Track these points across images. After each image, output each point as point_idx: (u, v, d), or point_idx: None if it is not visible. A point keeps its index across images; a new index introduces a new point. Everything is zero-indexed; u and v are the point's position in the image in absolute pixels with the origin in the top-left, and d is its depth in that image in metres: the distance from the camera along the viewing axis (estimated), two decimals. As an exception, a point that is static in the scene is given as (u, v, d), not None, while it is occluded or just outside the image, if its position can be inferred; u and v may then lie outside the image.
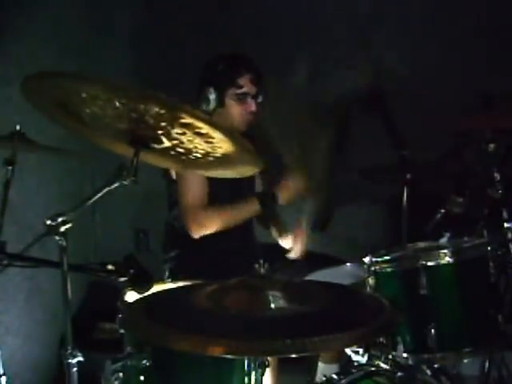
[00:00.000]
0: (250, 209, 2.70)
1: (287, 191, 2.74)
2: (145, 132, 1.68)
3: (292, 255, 2.83)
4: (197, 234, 2.65)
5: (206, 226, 2.64)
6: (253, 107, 2.74)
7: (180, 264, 2.77)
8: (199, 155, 1.77)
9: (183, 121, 1.60)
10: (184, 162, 1.83)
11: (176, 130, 1.65)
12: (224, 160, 1.78)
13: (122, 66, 3.81)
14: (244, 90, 2.71)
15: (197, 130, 1.63)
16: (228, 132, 1.67)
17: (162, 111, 1.59)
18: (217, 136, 1.64)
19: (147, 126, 1.64)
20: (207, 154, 1.75)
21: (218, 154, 1.74)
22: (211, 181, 2.61)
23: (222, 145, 1.69)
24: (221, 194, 2.66)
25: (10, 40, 3.07)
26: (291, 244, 2.89)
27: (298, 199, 2.81)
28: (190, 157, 1.79)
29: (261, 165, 1.84)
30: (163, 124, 1.63)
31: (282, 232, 2.99)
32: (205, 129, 1.62)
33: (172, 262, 2.79)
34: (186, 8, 3.78)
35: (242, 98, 2.72)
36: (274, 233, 3.02)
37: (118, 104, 1.60)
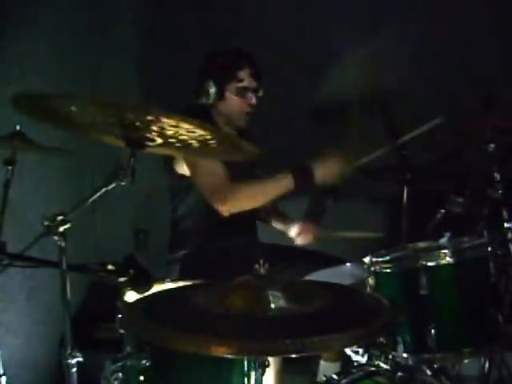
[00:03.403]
0: (283, 184, 2.59)
1: (326, 168, 2.60)
2: (138, 134, 1.69)
3: (298, 242, 2.80)
4: (226, 210, 2.58)
5: (234, 202, 2.57)
6: (253, 100, 2.75)
7: (186, 265, 2.76)
8: (194, 142, 1.76)
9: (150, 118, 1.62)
10: (187, 149, 1.83)
11: (153, 128, 1.67)
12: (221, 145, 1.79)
13: (122, 67, 3.81)
14: (244, 83, 2.73)
15: (168, 123, 1.64)
16: (194, 122, 1.65)
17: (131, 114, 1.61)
18: (184, 125, 1.64)
19: (128, 127, 1.66)
20: (204, 140, 1.75)
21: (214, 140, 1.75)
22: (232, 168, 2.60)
23: (195, 130, 1.69)
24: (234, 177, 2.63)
25: (10, 40, 3.06)
26: (296, 232, 2.86)
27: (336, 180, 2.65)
28: (190, 143, 1.79)
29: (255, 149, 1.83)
30: (138, 124, 1.65)
31: (287, 221, 2.97)
32: (170, 121, 1.62)
33: (179, 262, 2.78)
34: (187, 9, 3.78)
35: (242, 92, 2.73)
36: (276, 224, 3.00)
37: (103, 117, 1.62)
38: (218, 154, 1.89)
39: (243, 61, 2.74)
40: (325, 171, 2.61)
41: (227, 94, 2.74)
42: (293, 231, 2.92)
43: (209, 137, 1.72)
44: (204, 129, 1.66)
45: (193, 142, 1.76)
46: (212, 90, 2.71)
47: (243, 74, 2.73)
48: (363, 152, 2.76)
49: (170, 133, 1.69)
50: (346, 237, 2.84)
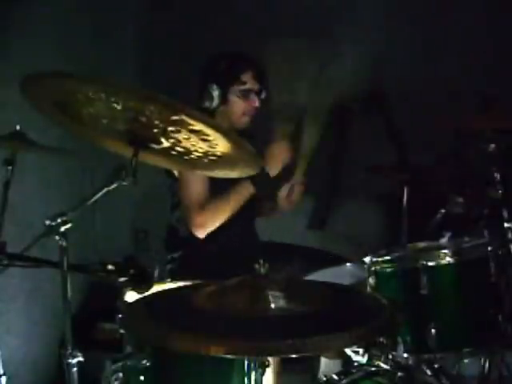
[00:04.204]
0: (244, 191, 2.64)
1: (274, 159, 2.68)
2: (143, 132, 1.68)
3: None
4: (200, 233, 2.65)
5: (207, 223, 2.64)
6: (256, 103, 2.75)
7: (182, 265, 2.77)
8: (200, 154, 1.77)
9: (175, 118, 1.61)
10: (186, 162, 1.83)
11: (170, 128, 1.66)
12: (225, 160, 1.79)
13: (122, 67, 3.81)
14: (247, 86, 2.73)
15: (190, 128, 1.64)
16: (221, 128, 1.68)
17: (158, 110, 1.59)
18: (211, 133, 1.65)
19: (142, 124, 1.65)
20: (207, 153, 1.75)
21: (218, 153, 1.75)
22: (213, 181, 2.61)
23: (218, 143, 1.69)
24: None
25: (10, 40, 3.06)
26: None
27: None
28: (192, 156, 1.79)
29: (260, 163, 1.84)
30: (157, 122, 1.64)
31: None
32: (197, 126, 1.62)
33: (174, 262, 2.79)
34: (186, 8, 3.78)
35: (245, 94, 2.73)
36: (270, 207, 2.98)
37: (115, 104, 1.60)
38: (216, 168, 1.88)
39: (246, 63, 2.75)
40: (274, 164, 2.68)
41: (230, 97, 2.74)
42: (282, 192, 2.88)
43: (214, 149, 1.72)
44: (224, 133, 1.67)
45: (196, 153, 1.76)
46: (215, 94, 2.71)
47: (246, 76, 2.73)
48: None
49: (180, 138, 1.69)
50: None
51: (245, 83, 2.73)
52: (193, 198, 2.65)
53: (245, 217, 2.79)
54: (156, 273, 2.75)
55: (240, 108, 2.74)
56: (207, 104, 2.72)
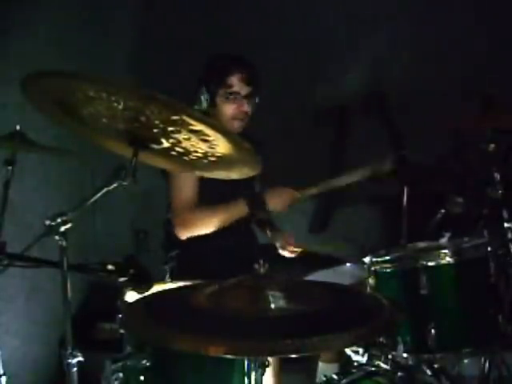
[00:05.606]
0: (237, 211, 2.64)
1: (279, 201, 2.67)
2: (143, 132, 1.68)
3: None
4: (183, 235, 2.64)
5: (192, 228, 2.63)
6: (244, 107, 2.68)
7: (180, 264, 2.77)
8: (199, 155, 1.77)
9: (175, 118, 1.61)
10: (185, 162, 1.83)
11: (170, 128, 1.66)
12: (224, 160, 1.78)
13: (121, 67, 3.81)
14: (234, 89, 2.66)
15: (191, 128, 1.64)
16: (221, 128, 1.68)
17: (158, 110, 1.59)
18: (211, 133, 1.65)
19: (142, 124, 1.65)
20: (207, 153, 1.75)
21: (218, 154, 1.75)
22: (208, 182, 2.60)
23: (218, 143, 1.69)
24: (216, 195, 2.64)
25: (10, 40, 3.06)
26: (280, 245, 2.78)
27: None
28: (191, 157, 1.79)
29: (259, 164, 1.84)
30: (157, 122, 1.64)
31: (277, 235, 2.94)
32: (198, 126, 1.62)
33: (172, 261, 2.79)
34: (186, 8, 3.78)
35: (232, 98, 2.67)
36: (270, 235, 2.98)
37: (115, 103, 1.60)
38: (216, 169, 1.88)
39: (232, 66, 2.67)
40: (276, 200, 2.66)
41: (218, 101, 2.69)
42: (279, 243, 2.89)
43: (214, 149, 1.72)
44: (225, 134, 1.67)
45: (195, 154, 1.76)
46: (204, 97, 2.68)
47: (233, 79, 2.66)
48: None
49: (179, 138, 1.69)
50: (323, 251, 2.81)
51: (231, 86, 2.66)
52: (178, 200, 2.65)
53: (244, 218, 2.78)
54: (167, 274, 2.76)
55: (228, 112, 2.68)
56: (197, 107, 2.68)
